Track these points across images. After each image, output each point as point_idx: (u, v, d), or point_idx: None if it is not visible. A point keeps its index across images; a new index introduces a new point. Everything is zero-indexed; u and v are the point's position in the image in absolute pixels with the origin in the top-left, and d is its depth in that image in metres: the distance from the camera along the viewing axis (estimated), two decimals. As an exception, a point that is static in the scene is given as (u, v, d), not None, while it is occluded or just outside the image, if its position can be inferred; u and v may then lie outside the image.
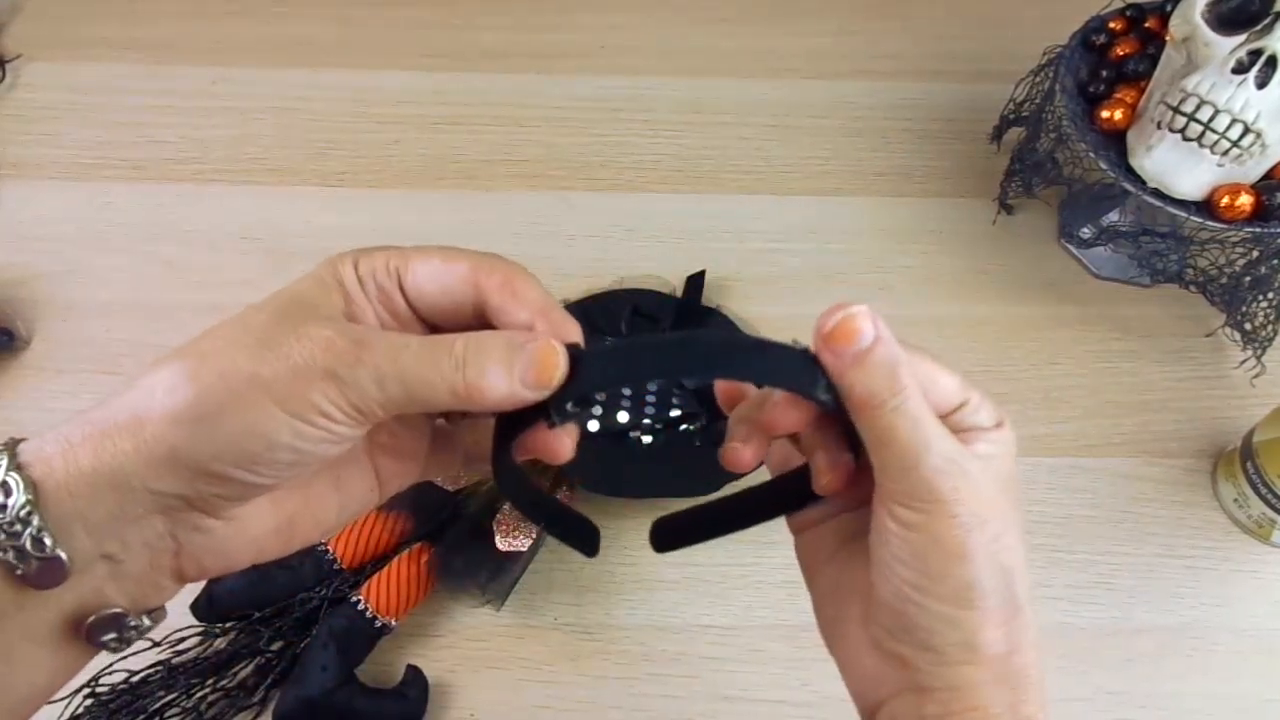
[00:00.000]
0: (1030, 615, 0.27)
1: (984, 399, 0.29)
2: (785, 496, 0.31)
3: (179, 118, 0.73)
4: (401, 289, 0.29)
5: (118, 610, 0.25)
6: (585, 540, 0.31)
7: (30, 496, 0.23)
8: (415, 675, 0.49)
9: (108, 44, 0.77)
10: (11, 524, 0.23)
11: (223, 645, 0.48)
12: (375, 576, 0.49)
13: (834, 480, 0.28)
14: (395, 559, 0.50)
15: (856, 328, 0.25)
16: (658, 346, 0.26)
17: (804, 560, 0.32)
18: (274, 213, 0.68)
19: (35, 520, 0.23)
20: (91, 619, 0.25)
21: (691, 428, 0.51)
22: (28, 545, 0.23)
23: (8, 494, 0.23)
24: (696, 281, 0.61)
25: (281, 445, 0.25)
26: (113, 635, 0.26)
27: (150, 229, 0.67)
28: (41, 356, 0.61)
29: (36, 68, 0.75)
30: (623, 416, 0.49)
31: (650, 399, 0.51)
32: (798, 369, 0.26)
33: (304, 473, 0.26)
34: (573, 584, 0.54)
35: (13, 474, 0.23)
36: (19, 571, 0.23)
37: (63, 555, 0.24)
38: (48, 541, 0.23)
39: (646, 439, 0.50)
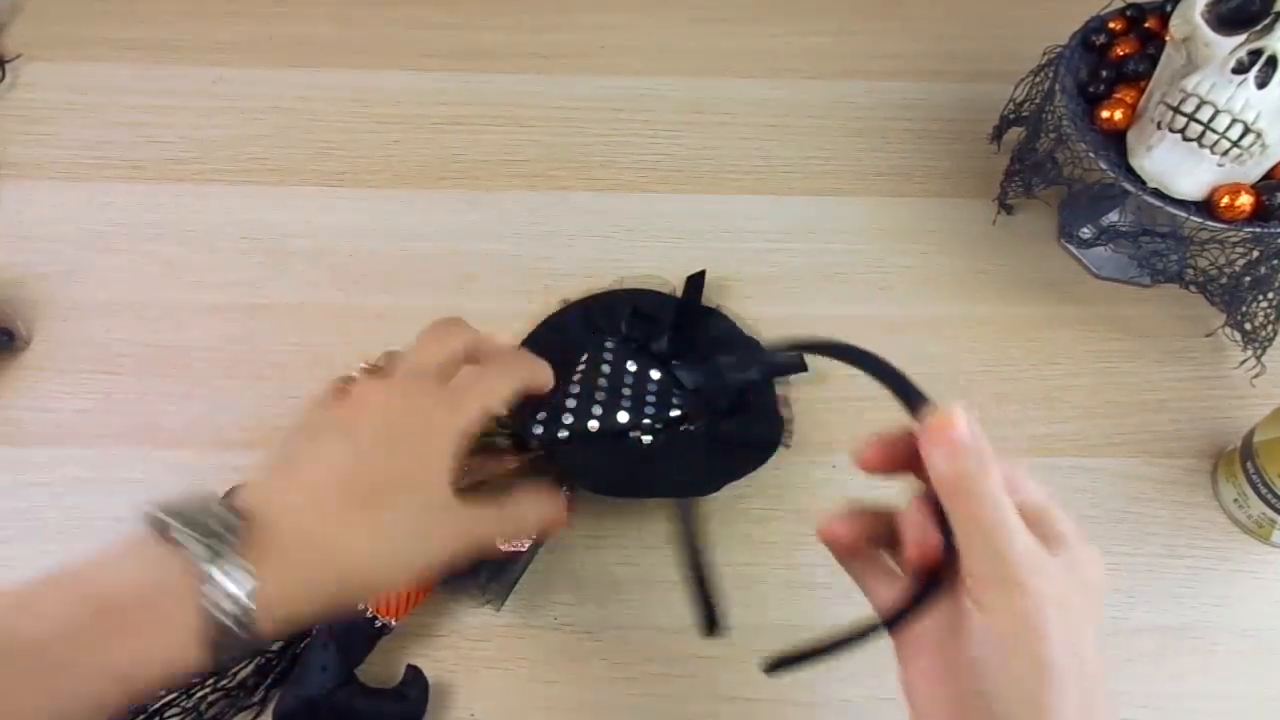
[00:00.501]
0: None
1: (1068, 515, 0.30)
2: (892, 620, 0.31)
3: (179, 118, 0.73)
4: None
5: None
6: (708, 621, 0.34)
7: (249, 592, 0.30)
8: (415, 675, 0.49)
9: (108, 44, 0.77)
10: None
11: None
12: None
13: (921, 554, 0.30)
14: None
15: (953, 420, 0.29)
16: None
17: (902, 656, 0.33)
18: (274, 213, 0.68)
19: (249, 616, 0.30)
20: None
21: (692, 427, 0.51)
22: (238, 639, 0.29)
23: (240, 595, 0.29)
24: (696, 281, 0.61)
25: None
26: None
27: (150, 229, 0.67)
28: (41, 356, 0.61)
29: (36, 68, 0.75)
30: (622, 416, 0.49)
31: (650, 399, 0.51)
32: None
33: None
34: (573, 584, 0.54)
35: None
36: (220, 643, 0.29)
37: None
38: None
39: (646, 438, 0.50)
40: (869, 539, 0.33)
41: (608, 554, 0.55)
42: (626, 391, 0.51)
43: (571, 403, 0.50)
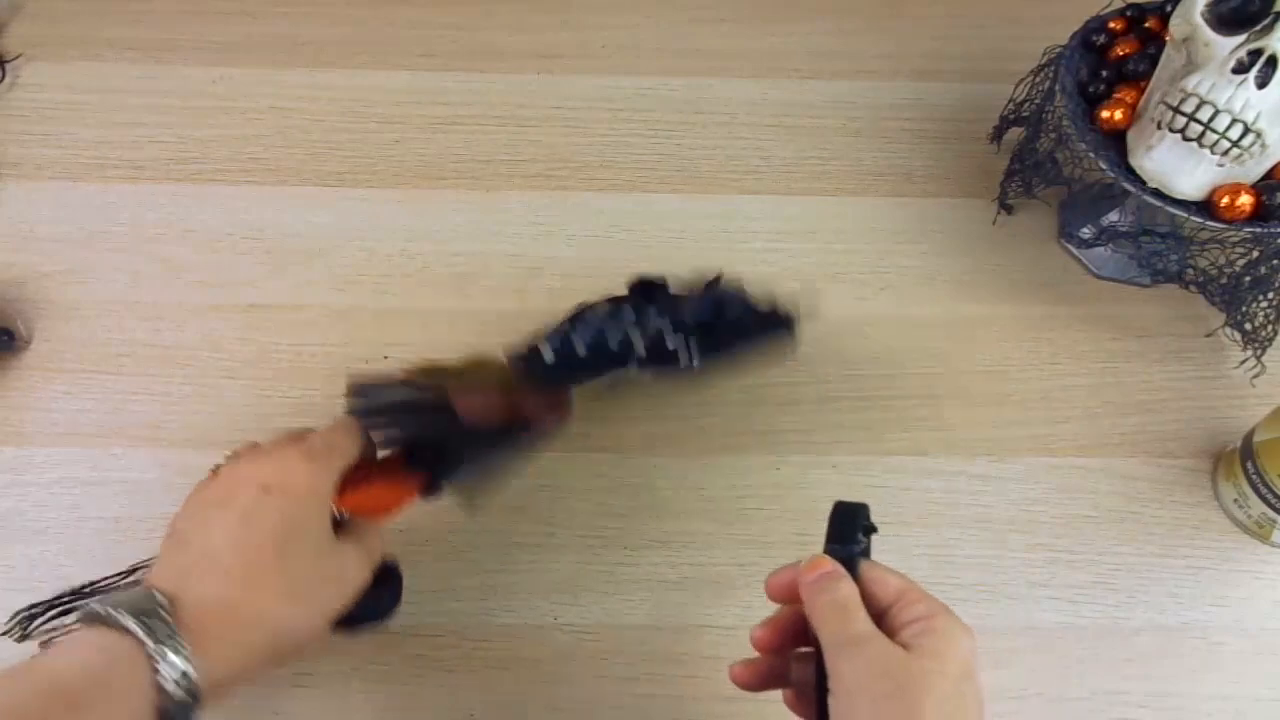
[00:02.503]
0: None
1: (926, 597, 0.36)
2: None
3: (179, 118, 0.73)
4: None
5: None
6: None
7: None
8: (388, 570, 0.46)
9: (108, 44, 0.77)
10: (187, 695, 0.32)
11: None
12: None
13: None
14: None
15: (816, 565, 0.37)
16: None
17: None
18: (274, 213, 0.68)
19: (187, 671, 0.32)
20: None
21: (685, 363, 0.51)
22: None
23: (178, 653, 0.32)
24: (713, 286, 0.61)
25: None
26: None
27: (150, 229, 0.67)
28: (41, 356, 0.61)
29: (36, 68, 0.75)
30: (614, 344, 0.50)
31: (647, 337, 0.50)
32: None
33: None
34: (573, 584, 0.54)
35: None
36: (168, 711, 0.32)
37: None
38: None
39: (637, 370, 0.50)
40: (787, 641, 0.39)
41: (608, 554, 0.55)
42: (622, 332, 0.50)
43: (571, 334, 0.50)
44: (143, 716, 0.31)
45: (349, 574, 0.41)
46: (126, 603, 0.33)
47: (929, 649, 0.33)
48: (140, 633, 0.32)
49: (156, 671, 0.31)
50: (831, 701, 0.34)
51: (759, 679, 0.40)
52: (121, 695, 0.31)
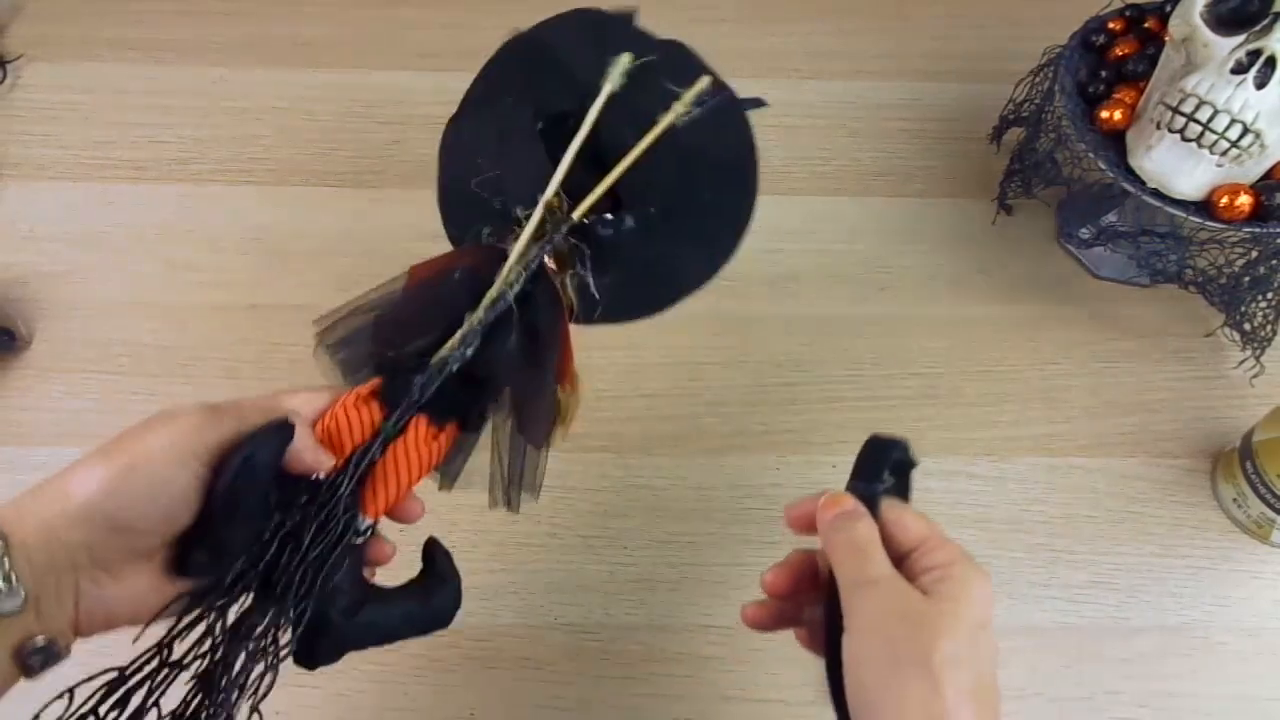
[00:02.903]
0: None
1: (948, 544, 0.36)
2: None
3: (179, 118, 0.73)
4: None
5: (46, 639, 0.32)
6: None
7: (1, 545, 0.30)
8: (436, 554, 0.40)
9: (108, 44, 0.77)
10: None
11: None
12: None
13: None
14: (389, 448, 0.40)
15: (836, 500, 0.36)
16: None
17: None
18: (274, 213, 0.68)
19: (5, 563, 0.30)
20: (27, 644, 0.32)
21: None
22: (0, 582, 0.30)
23: None
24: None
25: (165, 496, 0.33)
26: (39, 659, 0.32)
27: (150, 229, 0.67)
28: (41, 356, 0.61)
29: (36, 68, 0.75)
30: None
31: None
32: None
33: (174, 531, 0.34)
34: (573, 584, 0.54)
35: None
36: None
37: (23, 591, 0.30)
38: (14, 580, 0.30)
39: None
40: (799, 586, 0.39)
41: (608, 554, 0.55)
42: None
43: None
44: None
45: (172, 423, 0.34)
46: None
47: (946, 594, 0.33)
48: None
49: None
50: (845, 639, 0.33)
51: (771, 619, 0.39)
52: None
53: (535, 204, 0.44)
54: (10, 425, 0.58)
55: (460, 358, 0.41)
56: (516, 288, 0.42)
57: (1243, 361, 0.61)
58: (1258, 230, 0.54)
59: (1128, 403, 0.61)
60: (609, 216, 0.44)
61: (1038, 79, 0.65)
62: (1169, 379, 0.62)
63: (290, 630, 0.37)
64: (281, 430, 0.36)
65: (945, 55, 0.79)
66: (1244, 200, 0.54)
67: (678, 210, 0.46)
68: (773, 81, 0.77)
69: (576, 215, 0.44)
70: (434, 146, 0.72)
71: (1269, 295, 0.58)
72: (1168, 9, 0.59)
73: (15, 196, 0.68)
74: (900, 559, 0.35)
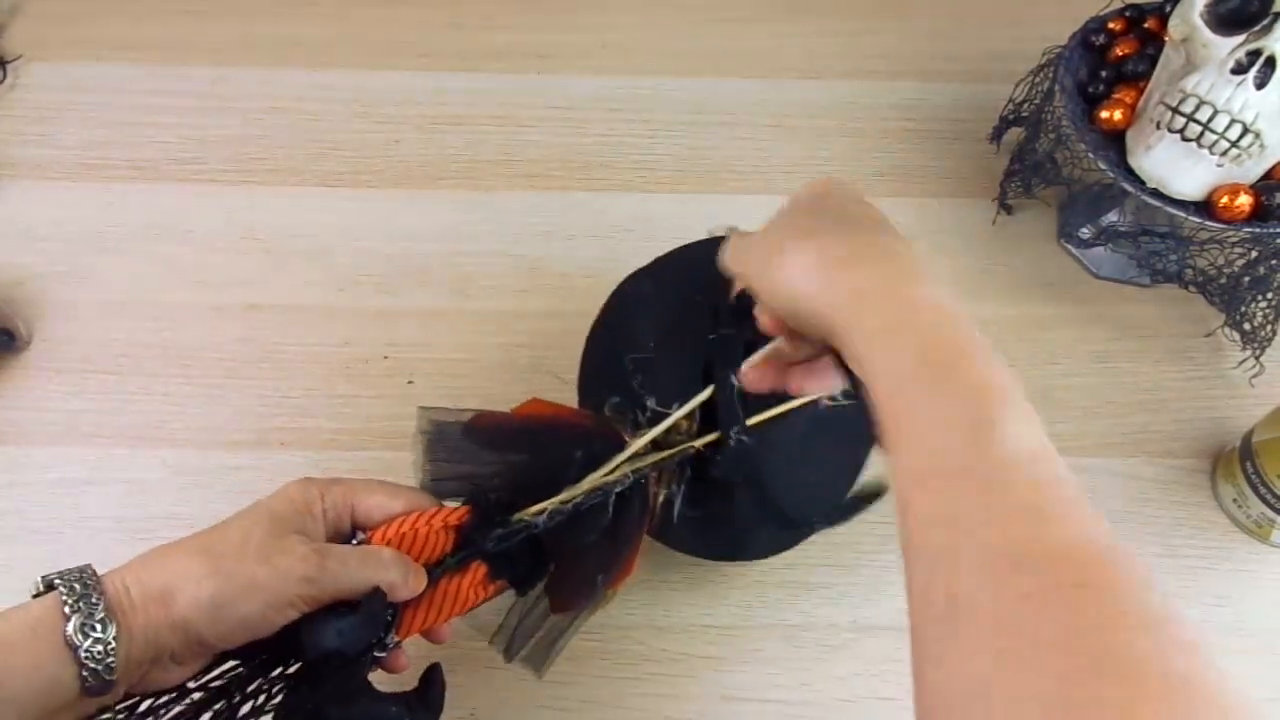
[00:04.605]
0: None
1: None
2: None
3: (179, 118, 0.73)
4: (352, 513, 0.41)
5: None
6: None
7: (114, 637, 0.33)
8: (434, 677, 0.42)
9: (108, 44, 0.77)
10: (103, 655, 0.33)
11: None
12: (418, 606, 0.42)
13: None
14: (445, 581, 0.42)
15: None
16: None
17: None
18: (274, 213, 0.68)
19: (114, 658, 0.33)
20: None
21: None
22: (103, 669, 0.33)
23: (104, 629, 0.33)
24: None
25: (256, 629, 0.36)
26: None
27: (150, 229, 0.67)
28: (41, 356, 0.61)
29: (36, 68, 0.75)
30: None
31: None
32: None
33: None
34: (573, 584, 0.54)
35: (105, 616, 0.34)
36: (89, 684, 0.33)
37: (117, 683, 0.34)
38: (116, 668, 0.33)
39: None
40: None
41: (608, 554, 0.55)
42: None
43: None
44: (62, 679, 0.33)
45: (280, 563, 0.37)
46: (69, 576, 0.35)
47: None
48: (68, 603, 0.34)
49: (71, 639, 0.33)
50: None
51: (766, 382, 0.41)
52: (45, 658, 0.33)
53: (669, 410, 0.44)
54: (10, 425, 0.58)
55: (543, 525, 0.42)
56: (620, 488, 0.43)
57: (1243, 361, 0.61)
58: (1258, 230, 0.54)
59: (1128, 403, 0.61)
60: (720, 457, 0.44)
61: (1038, 79, 0.65)
62: (1169, 379, 0.62)
63: (290, 705, 0.39)
64: (374, 620, 0.39)
65: (945, 55, 0.79)
66: (1244, 200, 0.54)
67: (782, 489, 0.46)
68: (773, 82, 0.77)
69: (698, 444, 0.45)
70: (434, 146, 0.72)
71: (1269, 295, 0.58)
72: (1168, 9, 0.59)
73: (15, 196, 0.68)
74: None
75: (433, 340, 0.62)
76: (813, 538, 0.51)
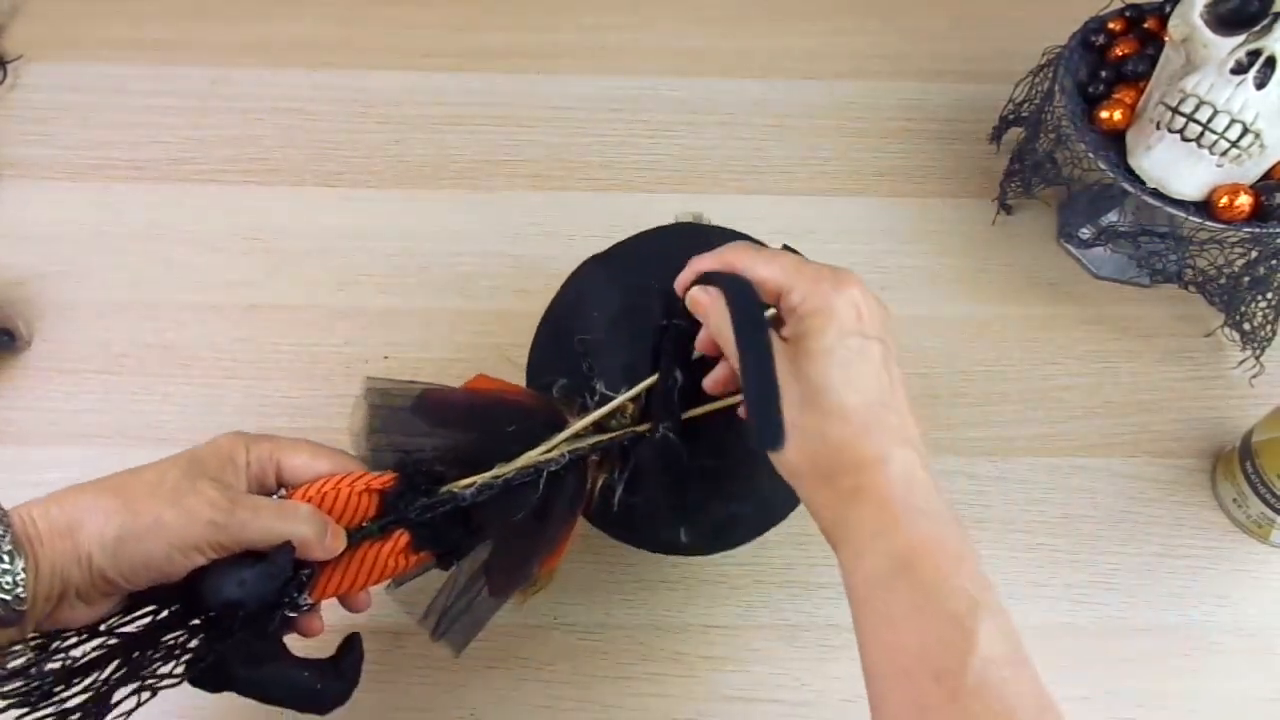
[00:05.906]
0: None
1: (810, 291, 0.38)
2: None
3: (179, 118, 0.73)
4: (278, 471, 0.41)
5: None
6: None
7: (24, 569, 0.33)
8: (352, 646, 0.42)
9: (108, 44, 0.77)
10: (12, 585, 0.33)
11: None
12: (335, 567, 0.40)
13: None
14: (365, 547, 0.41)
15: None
16: None
17: None
18: (274, 213, 0.68)
19: (23, 589, 0.33)
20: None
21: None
22: (12, 599, 0.33)
23: (11, 560, 0.33)
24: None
25: (161, 570, 0.36)
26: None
27: (150, 229, 0.67)
28: (41, 356, 0.61)
29: (36, 68, 0.75)
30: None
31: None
32: None
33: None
34: (573, 584, 0.54)
35: (13, 548, 0.33)
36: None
37: (25, 611, 0.33)
38: (26, 599, 0.33)
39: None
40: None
41: (608, 554, 0.55)
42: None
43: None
44: None
45: (189, 503, 0.36)
46: None
47: (801, 333, 0.37)
48: None
49: None
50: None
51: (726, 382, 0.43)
52: None
53: (614, 393, 0.44)
54: (10, 425, 0.58)
55: (470, 499, 0.41)
56: (554, 467, 0.42)
57: (1243, 361, 0.61)
58: (1258, 230, 0.54)
59: (1128, 403, 0.61)
60: (672, 438, 0.44)
61: (1038, 79, 0.65)
62: (1169, 379, 0.62)
63: (193, 658, 0.38)
64: (278, 572, 0.38)
65: (945, 55, 0.79)
66: (1244, 200, 0.54)
67: (724, 483, 0.46)
68: (773, 82, 0.77)
69: (642, 429, 0.44)
70: (434, 146, 0.72)
71: (1269, 295, 0.58)
72: (1168, 9, 0.59)
73: (15, 196, 0.68)
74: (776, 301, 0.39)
75: (433, 340, 0.62)
76: (813, 538, 0.51)
